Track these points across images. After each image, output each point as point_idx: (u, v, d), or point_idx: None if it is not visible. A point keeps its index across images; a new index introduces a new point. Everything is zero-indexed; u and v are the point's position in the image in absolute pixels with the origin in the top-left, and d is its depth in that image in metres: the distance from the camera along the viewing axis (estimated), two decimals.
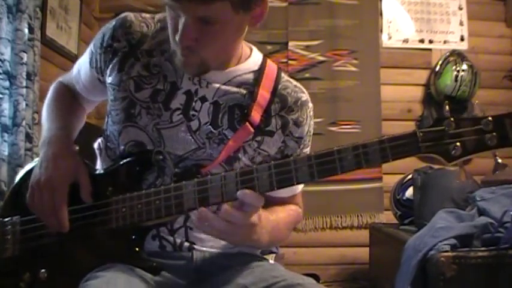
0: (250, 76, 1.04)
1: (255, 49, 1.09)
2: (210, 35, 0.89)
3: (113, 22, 1.04)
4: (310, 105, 1.09)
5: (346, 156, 0.83)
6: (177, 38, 0.88)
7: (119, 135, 1.01)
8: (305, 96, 1.08)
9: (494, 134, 0.78)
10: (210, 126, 1.00)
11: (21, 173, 1.09)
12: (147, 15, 1.04)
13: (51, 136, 1.04)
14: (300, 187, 1.10)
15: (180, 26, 0.87)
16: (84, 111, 1.22)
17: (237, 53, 1.03)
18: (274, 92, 1.03)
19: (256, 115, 1.00)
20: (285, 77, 1.08)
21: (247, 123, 0.99)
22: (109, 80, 1.04)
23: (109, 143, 1.05)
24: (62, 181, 0.95)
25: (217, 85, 1.01)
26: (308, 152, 1.09)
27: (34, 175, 0.98)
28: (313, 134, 1.11)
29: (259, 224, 0.88)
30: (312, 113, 1.09)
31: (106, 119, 1.07)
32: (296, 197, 1.12)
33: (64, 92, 1.18)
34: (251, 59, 1.05)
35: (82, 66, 1.13)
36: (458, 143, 0.80)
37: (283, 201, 1.08)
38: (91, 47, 1.08)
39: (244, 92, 1.02)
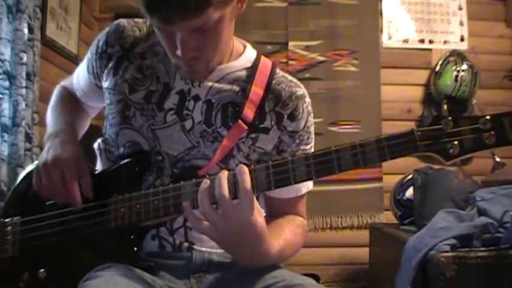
0: (243, 73, 1.03)
1: (249, 46, 1.09)
2: (210, 39, 0.89)
3: (107, 29, 1.06)
4: (308, 100, 1.07)
5: (344, 156, 0.82)
6: (178, 53, 0.88)
7: (116, 138, 1.02)
8: (301, 90, 1.06)
9: (492, 132, 0.77)
10: (203, 125, 1.00)
11: (23, 173, 1.10)
12: (140, 20, 1.05)
13: (58, 130, 1.05)
14: (304, 190, 1.08)
15: (179, 42, 0.87)
16: (88, 114, 1.23)
17: (229, 49, 1.02)
18: (268, 88, 1.02)
19: (249, 112, 0.99)
20: (280, 72, 1.07)
21: (240, 121, 0.98)
22: (105, 84, 1.05)
23: (108, 146, 1.06)
24: (69, 160, 0.96)
25: (210, 83, 1.01)
26: (310, 151, 1.07)
27: (40, 160, 0.98)
28: (313, 134, 1.09)
29: (245, 238, 0.84)
30: (309, 108, 1.07)
31: (104, 123, 1.08)
32: (300, 203, 1.09)
33: (67, 95, 1.20)
34: (244, 56, 1.05)
35: (81, 73, 1.15)
36: (456, 142, 0.79)
37: (285, 204, 1.06)
38: (88, 54, 1.10)
39: (237, 89, 1.02)
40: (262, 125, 1.02)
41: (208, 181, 0.84)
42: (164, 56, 0.99)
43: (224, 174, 0.83)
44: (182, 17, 0.81)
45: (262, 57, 1.07)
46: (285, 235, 0.97)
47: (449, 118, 0.80)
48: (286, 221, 1.03)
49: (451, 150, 0.79)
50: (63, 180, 0.94)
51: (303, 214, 1.10)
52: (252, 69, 1.03)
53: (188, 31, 0.85)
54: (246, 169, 0.83)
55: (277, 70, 1.07)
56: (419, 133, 0.80)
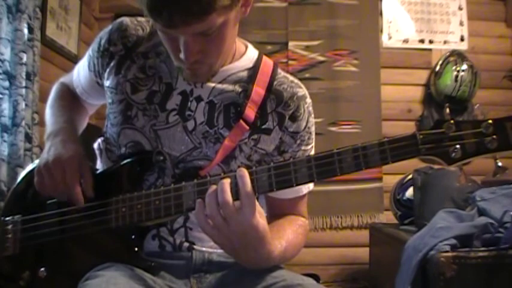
0: (245, 74, 1.03)
1: (250, 46, 1.09)
2: (213, 43, 0.89)
3: (110, 26, 1.06)
4: (308, 100, 1.07)
5: (346, 158, 0.82)
6: (181, 56, 0.88)
7: (117, 137, 1.02)
8: (302, 91, 1.07)
9: (494, 137, 0.78)
10: (205, 126, 1.00)
11: (23, 173, 1.10)
12: (143, 19, 1.05)
13: (58, 128, 1.05)
14: (305, 191, 1.08)
15: (182, 46, 0.86)
16: (86, 111, 1.23)
17: (232, 51, 1.02)
18: (269, 88, 1.03)
19: (250, 112, 1.00)
20: (281, 73, 1.07)
21: (242, 121, 0.99)
22: (107, 83, 1.05)
23: (109, 145, 1.06)
24: (71, 159, 0.96)
25: (212, 84, 1.01)
26: (311, 151, 1.08)
27: (41, 160, 0.98)
28: (314, 134, 1.09)
29: (256, 241, 0.84)
30: (310, 108, 1.07)
31: (106, 122, 1.08)
32: (301, 203, 1.09)
33: (66, 91, 1.19)
34: (245, 56, 1.05)
35: (81, 70, 1.14)
36: (458, 146, 0.79)
37: (286, 204, 1.06)
38: (89, 51, 1.10)
39: (239, 90, 1.02)
40: (264, 126, 1.02)
41: (215, 186, 0.83)
42: (167, 57, 0.99)
43: (227, 180, 0.83)
44: (185, 22, 0.80)
45: (264, 57, 1.07)
46: (286, 236, 0.97)
47: (452, 122, 0.80)
48: (287, 222, 1.03)
49: (453, 154, 0.80)
50: (64, 179, 0.94)
51: (304, 214, 1.10)
52: (254, 70, 1.03)
53: (191, 35, 0.84)
54: (246, 172, 0.83)
55: (279, 70, 1.07)
56: (421, 136, 0.80)
